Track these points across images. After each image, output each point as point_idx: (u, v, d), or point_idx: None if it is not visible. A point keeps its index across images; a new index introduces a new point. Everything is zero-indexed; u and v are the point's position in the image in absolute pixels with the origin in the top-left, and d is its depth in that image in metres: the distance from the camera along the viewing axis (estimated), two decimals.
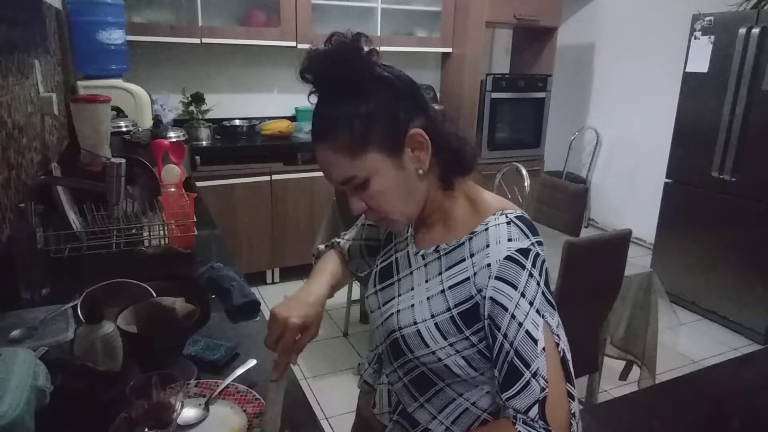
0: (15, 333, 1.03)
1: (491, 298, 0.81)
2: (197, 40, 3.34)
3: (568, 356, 0.84)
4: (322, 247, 1.18)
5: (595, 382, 2.23)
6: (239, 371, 0.99)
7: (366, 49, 0.83)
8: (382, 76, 0.83)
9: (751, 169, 3.04)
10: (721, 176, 3.17)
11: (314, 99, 0.86)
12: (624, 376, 2.53)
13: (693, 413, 1.60)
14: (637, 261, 2.72)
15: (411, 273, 0.95)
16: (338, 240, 1.17)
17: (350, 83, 0.82)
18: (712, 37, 3.15)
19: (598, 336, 2.12)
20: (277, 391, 0.86)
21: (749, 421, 1.56)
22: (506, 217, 0.86)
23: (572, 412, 0.83)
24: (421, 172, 0.86)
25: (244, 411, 0.90)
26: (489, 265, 0.82)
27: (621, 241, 1.94)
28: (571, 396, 0.84)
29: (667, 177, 3.52)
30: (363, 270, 1.16)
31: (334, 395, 2.50)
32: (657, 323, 2.26)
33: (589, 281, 1.89)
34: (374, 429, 1.03)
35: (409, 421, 0.95)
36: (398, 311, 0.93)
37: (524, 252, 0.81)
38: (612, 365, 2.45)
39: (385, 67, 0.85)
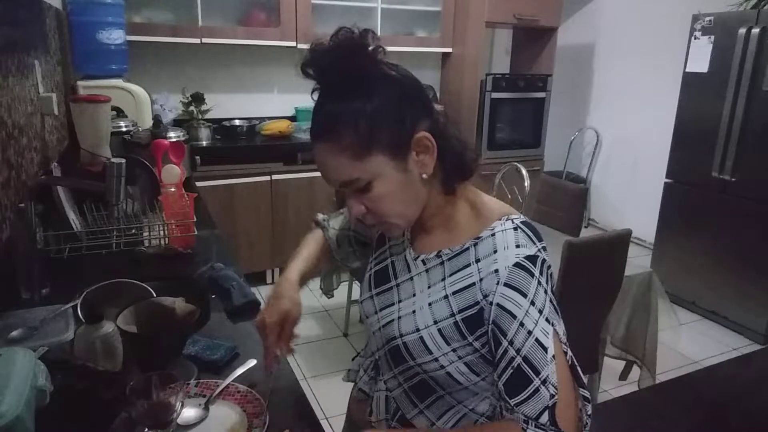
0: (15, 333, 1.03)
1: (498, 304, 0.79)
2: (197, 40, 3.34)
3: (575, 362, 0.84)
4: (321, 217, 1.20)
5: (595, 382, 2.23)
6: (239, 371, 0.99)
7: (373, 45, 0.80)
8: (388, 75, 0.81)
9: (751, 169, 3.04)
10: (721, 176, 3.17)
11: (316, 96, 0.83)
12: (624, 376, 2.53)
13: (693, 413, 1.60)
14: (637, 261, 2.72)
15: (411, 278, 0.93)
16: (328, 225, 1.17)
17: (356, 79, 0.79)
18: (712, 37, 3.15)
19: (598, 336, 2.12)
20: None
21: (749, 420, 1.56)
22: (512, 222, 0.84)
23: (588, 413, 0.83)
24: (425, 176, 0.84)
25: (244, 411, 0.90)
26: (497, 270, 0.80)
27: (621, 241, 1.94)
28: (586, 399, 0.83)
29: (667, 177, 3.51)
30: (351, 261, 1.15)
31: (334, 395, 2.49)
32: (657, 323, 2.26)
33: (589, 281, 1.89)
34: None
35: (407, 427, 0.94)
36: (399, 318, 0.91)
37: (532, 259, 0.80)
38: (612, 365, 2.44)
39: (392, 66, 0.82)
